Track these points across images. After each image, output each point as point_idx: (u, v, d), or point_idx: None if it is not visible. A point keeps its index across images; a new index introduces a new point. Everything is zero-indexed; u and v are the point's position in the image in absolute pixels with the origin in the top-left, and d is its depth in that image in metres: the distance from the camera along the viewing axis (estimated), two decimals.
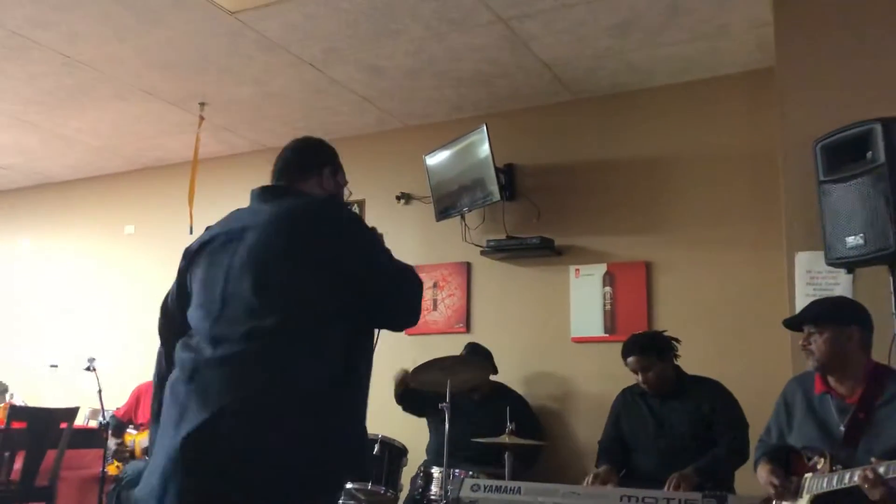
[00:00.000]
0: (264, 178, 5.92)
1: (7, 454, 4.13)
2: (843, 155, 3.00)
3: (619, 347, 4.19)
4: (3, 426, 4.04)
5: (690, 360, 3.55)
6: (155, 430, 1.96)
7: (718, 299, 4.12)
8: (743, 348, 3.98)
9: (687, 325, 3.61)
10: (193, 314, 1.93)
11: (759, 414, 2.90)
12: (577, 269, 4.49)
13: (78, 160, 6.17)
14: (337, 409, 1.81)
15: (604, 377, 4.19)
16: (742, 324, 4.03)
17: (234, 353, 1.77)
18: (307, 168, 2.24)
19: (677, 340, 3.50)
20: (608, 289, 4.40)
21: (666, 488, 3.05)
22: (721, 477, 3.21)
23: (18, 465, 4.22)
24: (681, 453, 3.24)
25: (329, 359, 1.81)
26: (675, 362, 3.49)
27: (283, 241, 1.89)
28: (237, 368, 1.76)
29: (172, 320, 2.04)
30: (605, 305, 4.39)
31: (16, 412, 4.11)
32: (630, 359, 3.46)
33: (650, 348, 3.44)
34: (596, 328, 4.38)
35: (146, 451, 4.32)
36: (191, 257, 2.07)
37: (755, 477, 2.78)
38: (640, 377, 3.44)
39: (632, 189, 4.46)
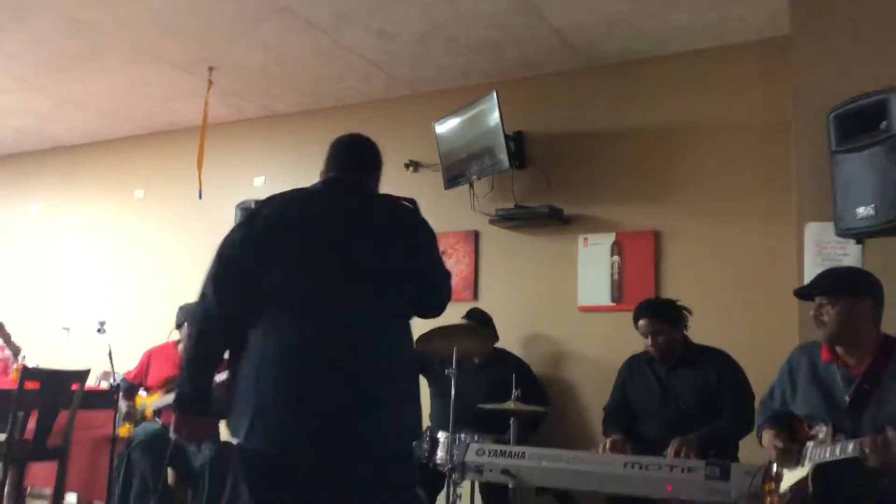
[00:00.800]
0: (273, 145, 5.99)
1: (21, 414, 4.19)
2: (857, 125, 2.98)
3: (626, 317, 4.21)
4: (16, 387, 4.09)
5: (698, 331, 3.55)
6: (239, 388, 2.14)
7: (726, 270, 4.12)
8: (750, 319, 3.98)
9: (694, 296, 3.61)
10: (298, 280, 2.15)
11: (765, 385, 2.91)
12: (586, 239, 4.49)
13: (88, 124, 6.17)
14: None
15: (610, 346, 4.21)
16: (750, 294, 4.02)
17: (366, 324, 2.15)
18: (373, 168, 2.55)
19: (689, 311, 3.51)
20: (616, 258, 4.40)
21: (668, 454, 3.08)
22: (724, 446, 3.23)
23: (32, 424, 4.29)
24: (686, 422, 3.25)
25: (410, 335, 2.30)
26: (685, 332, 3.49)
27: (399, 239, 2.31)
28: (368, 339, 2.13)
29: (240, 276, 2.17)
30: (612, 275, 4.39)
31: (29, 373, 4.15)
32: (641, 321, 3.46)
33: (662, 314, 3.44)
34: (603, 297, 4.39)
35: (156, 414, 4.37)
36: (279, 225, 2.23)
37: (759, 447, 2.81)
38: (648, 342, 3.44)
39: (642, 158, 4.43)
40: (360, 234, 2.25)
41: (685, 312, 3.49)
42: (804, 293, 2.73)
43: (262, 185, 5.67)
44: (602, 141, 4.55)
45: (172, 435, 2.22)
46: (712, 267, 4.15)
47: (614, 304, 4.35)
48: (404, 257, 2.28)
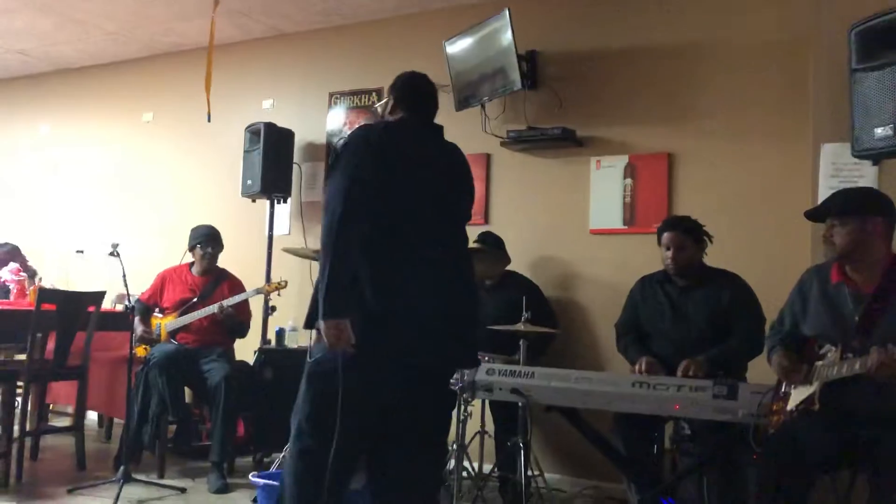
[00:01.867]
0: (281, 66, 5.90)
1: (39, 335, 4.27)
2: (880, 42, 2.89)
3: (637, 240, 4.22)
4: (34, 308, 4.16)
5: (710, 253, 3.53)
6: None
7: (741, 192, 4.07)
8: (764, 242, 3.96)
9: (708, 218, 3.57)
10: (421, 207, 2.46)
11: (777, 307, 2.91)
12: (598, 161, 4.44)
13: (94, 45, 6.08)
14: None
15: (621, 269, 4.21)
16: (764, 217, 3.99)
17: (465, 254, 2.61)
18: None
19: (711, 238, 3.49)
20: (629, 180, 4.35)
21: (678, 373, 3.11)
22: (733, 368, 3.26)
23: (51, 345, 4.38)
24: (696, 343, 3.27)
25: None
26: (702, 254, 3.47)
27: (469, 185, 2.72)
28: (464, 262, 2.56)
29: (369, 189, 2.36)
30: (625, 197, 4.35)
31: (46, 294, 4.21)
32: (667, 234, 3.44)
33: (690, 229, 3.42)
34: (615, 220, 4.36)
35: (172, 335, 4.45)
36: (401, 155, 2.46)
37: (768, 370, 2.83)
38: (668, 254, 3.41)
39: (657, 78, 4.34)
40: (455, 177, 2.64)
41: (707, 238, 3.47)
42: (816, 214, 2.71)
43: (271, 107, 5.62)
44: (616, 61, 4.45)
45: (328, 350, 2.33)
46: (726, 189, 4.11)
47: (626, 228, 4.33)
48: (470, 200, 2.72)
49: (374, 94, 5.24)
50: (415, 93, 2.71)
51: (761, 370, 3.10)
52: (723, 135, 4.14)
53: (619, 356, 4.04)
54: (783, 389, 2.64)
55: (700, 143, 4.20)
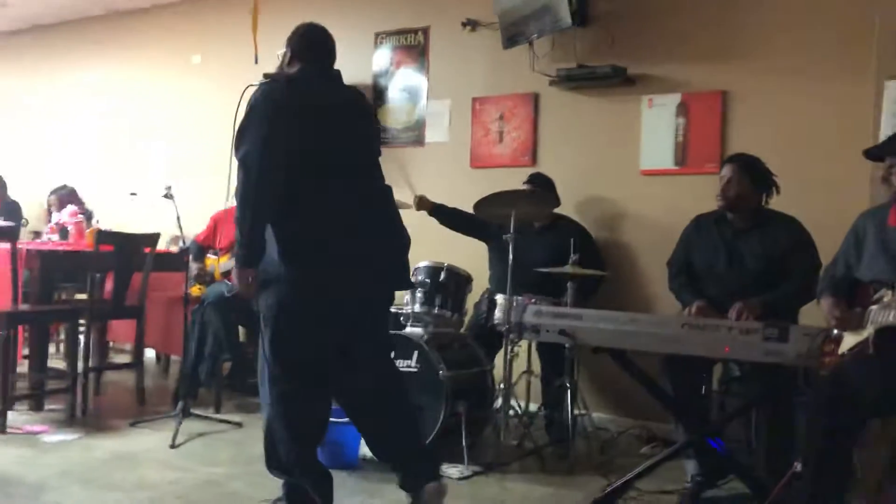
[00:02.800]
0: (327, 5, 5.86)
1: (98, 276, 4.41)
2: None
3: (689, 181, 4.16)
4: (92, 249, 4.28)
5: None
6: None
7: (798, 131, 3.95)
8: (821, 182, 3.85)
9: (763, 158, 3.48)
10: (332, 154, 2.60)
11: (833, 251, 2.85)
12: (650, 99, 4.34)
13: None
14: None
15: (672, 211, 4.15)
16: (821, 157, 3.88)
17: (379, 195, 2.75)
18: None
19: (779, 190, 3.39)
20: (681, 119, 4.25)
21: (731, 316, 3.08)
22: (786, 312, 3.21)
23: (109, 285, 4.52)
24: (750, 286, 3.21)
25: None
26: (762, 200, 3.38)
27: (376, 122, 3.09)
28: (382, 198, 2.76)
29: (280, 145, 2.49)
30: (677, 137, 4.26)
31: (103, 236, 4.32)
32: (724, 166, 3.38)
33: (747, 165, 3.33)
34: (666, 160, 4.28)
35: (225, 275, 4.54)
36: (305, 107, 2.57)
37: (819, 311, 2.78)
38: (722, 187, 3.34)
39: (711, 13, 4.19)
40: (362, 120, 2.80)
41: (773, 185, 3.37)
42: (875, 154, 2.62)
43: None
44: None
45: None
46: (783, 128, 3.99)
47: (678, 168, 4.25)
48: (378, 140, 2.98)
49: (420, 32, 5.18)
50: (310, 44, 2.82)
51: (814, 315, 3.05)
52: (780, 71, 4.00)
53: (667, 298, 4.01)
54: (835, 332, 2.60)
55: (756, 81, 4.07)
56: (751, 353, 2.72)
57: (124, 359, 5.33)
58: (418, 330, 3.80)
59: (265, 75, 2.87)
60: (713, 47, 4.18)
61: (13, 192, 6.70)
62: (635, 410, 4.18)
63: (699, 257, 3.45)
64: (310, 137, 2.55)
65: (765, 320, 2.93)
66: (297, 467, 2.62)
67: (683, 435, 3.18)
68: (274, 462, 2.65)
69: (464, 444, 3.44)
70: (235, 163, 2.49)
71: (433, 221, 4.48)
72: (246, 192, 2.44)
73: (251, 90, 2.63)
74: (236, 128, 2.52)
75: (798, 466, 2.42)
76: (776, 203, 3.44)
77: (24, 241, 5.08)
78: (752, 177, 3.31)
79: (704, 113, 4.18)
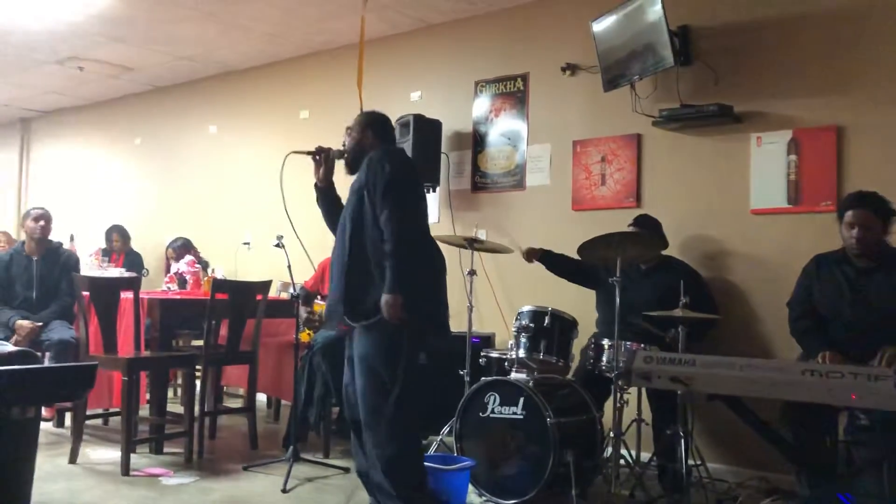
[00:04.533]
0: (428, 57, 5.98)
1: (214, 322, 4.59)
2: None
3: (803, 219, 4.00)
4: (209, 297, 4.47)
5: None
6: None
7: None
8: None
9: (883, 193, 3.31)
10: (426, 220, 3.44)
11: None
12: (759, 137, 4.21)
13: (251, 48, 6.43)
14: None
15: (785, 250, 3.99)
16: None
17: None
18: None
19: None
20: (793, 157, 4.10)
21: (878, 361, 2.91)
22: None
23: (224, 332, 4.70)
24: (878, 328, 3.05)
25: None
26: (887, 235, 3.23)
27: None
28: None
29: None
30: (788, 175, 4.11)
31: (218, 285, 4.52)
32: (853, 211, 3.23)
33: (880, 208, 3.19)
34: (779, 199, 4.13)
35: None
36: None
37: None
38: (853, 233, 3.20)
39: (819, 46, 4.05)
40: None
41: (893, 216, 3.22)
42: None
43: (419, 99, 5.73)
44: (774, 30, 4.19)
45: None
46: None
47: (791, 206, 4.09)
48: None
49: (518, 79, 5.23)
50: (388, 129, 3.44)
51: None
52: None
53: (781, 342, 3.86)
54: None
55: (872, 114, 3.89)
56: (881, 401, 2.55)
57: (237, 403, 5.50)
58: (523, 376, 3.77)
59: (295, 152, 3.73)
60: (823, 81, 4.04)
61: (134, 244, 7.11)
62: (754, 461, 3.98)
63: (821, 298, 3.29)
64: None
65: None
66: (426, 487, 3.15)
67: (807, 488, 3.01)
68: (405, 492, 3.01)
69: (573, 493, 3.35)
70: None
71: (537, 265, 4.45)
72: (412, 250, 3.05)
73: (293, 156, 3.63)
74: (383, 183, 3.05)
75: None
76: None
77: (145, 291, 5.36)
78: (882, 216, 3.16)
79: (818, 149, 4.02)
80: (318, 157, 3.59)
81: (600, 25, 4.57)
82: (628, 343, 3.68)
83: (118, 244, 6.97)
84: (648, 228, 4.07)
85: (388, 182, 3.03)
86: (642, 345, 3.64)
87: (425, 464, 3.27)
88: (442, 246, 4.60)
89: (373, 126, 3.37)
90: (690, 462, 3.53)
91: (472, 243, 4.32)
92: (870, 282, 3.17)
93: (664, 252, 4.07)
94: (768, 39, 4.22)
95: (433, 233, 4.12)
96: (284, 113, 6.65)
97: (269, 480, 3.91)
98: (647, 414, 3.88)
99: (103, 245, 6.88)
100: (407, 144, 5.18)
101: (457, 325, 4.96)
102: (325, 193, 3.59)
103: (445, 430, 4.09)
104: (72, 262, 5.14)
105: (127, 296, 4.51)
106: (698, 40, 4.43)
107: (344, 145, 3.49)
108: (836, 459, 3.20)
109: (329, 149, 3.55)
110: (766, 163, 4.17)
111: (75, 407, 4.25)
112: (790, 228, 4.08)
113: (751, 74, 4.26)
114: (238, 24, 5.84)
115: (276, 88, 6.76)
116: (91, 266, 5.75)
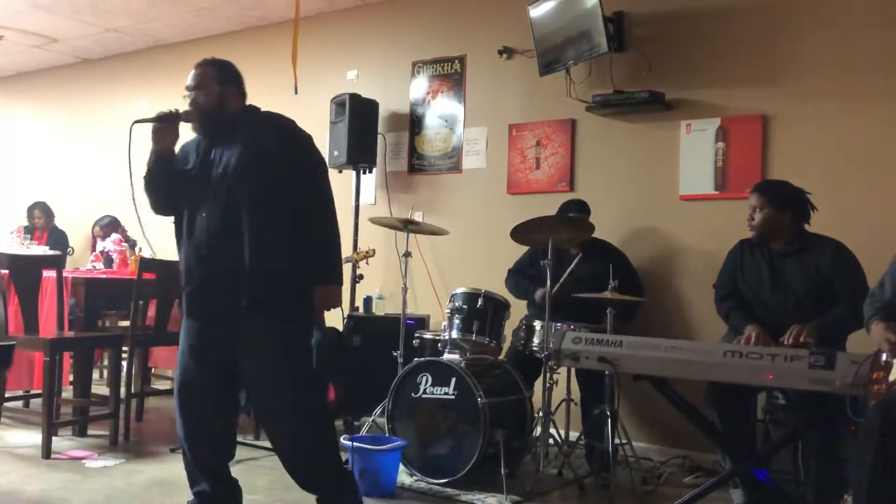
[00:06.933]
0: (365, 36, 5.91)
1: (141, 303, 4.48)
2: None
3: (730, 205, 4.10)
4: (135, 277, 4.36)
5: (811, 221, 3.40)
6: None
7: (842, 156, 3.89)
8: (867, 207, 3.78)
9: (807, 183, 3.42)
10: None
11: (880, 275, 2.78)
12: (689, 125, 4.31)
13: (184, 21, 6.26)
14: None
15: (713, 236, 4.10)
16: (867, 182, 3.81)
17: None
18: None
19: (813, 207, 3.36)
20: (721, 144, 4.21)
21: (786, 339, 3.02)
22: (839, 336, 3.15)
23: (151, 312, 4.59)
24: (795, 311, 3.18)
25: None
26: (800, 222, 3.35)
27: None
28: None
29: None
30: (716, 162, 4.22)
31: (146, 264, 4.40)
32: (751, 194, 3.41)
33: (771, 192, 3.34)
34: (706, 185, 4.24)
35: None
36: None
37: (867, 341, 2.71)
38: (749, 216, 3.38)
39: (750, 36, 4.16)
40: None
41: (804, 203, 3.35)
42: None
43: (355, 78, 5.67)
44: (706, 19, 4.29)
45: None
46: (826, 153, 3.93)
47: (718, 193, 4.20)
48: None
49: (456, 61, 5.22)
50: (243, 81, 3.01)
51: (860, 341, 2.97)
52: (821, 95, 3.95)
53: (708, 325, 3.97)
54: (884, 359, 2.53)
55: (797, 104, 4.02)
56: (796, 381, 2.66)
57: (165, 385, 5.39)
58: (456, 356, 3.79)
59: (138, 121, 2.99)
60: (752, 71, 4.15)
61: (59, 222, 6.88)
62: (678, 439, 4.10)
63: (744, 281, 3.41)
64: None
65: (817, 346, 2.88)
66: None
67: (729, 465, 3.12)
68: (332, 470, 2.81)
69: (502, 473, 3.40)
70: None
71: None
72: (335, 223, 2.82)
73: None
74: (311, 163, 2.82)
75: (849, 500, 2.35)
76: (820, 227, 3.39)
77: (70, 270, 5.19)
78: (776, 202, 3.29)
79: (745, 137, 4.14)
80: (165, 124, 2.90)
81: (537, 10, 4.59)
82: (558, 324, 3.74)
83: (41, 221, 6.73)
84: (578, 212, 4.13)
85: (324, 168, 2.87)
86: (571, 325, 3.70)
87: (357, 444, 3.27)
88: (378, 228, 4.63)
89: (235, 81, 2.92)
90: (617, 441, 3.61)
91: (408, 225, 4.31)
92: (787, 265, 3.30)
93: (594, 236, 4.14)
94: (700, 29, 4.31)
95: (370, 214, 4.14)
96: None
97: None
98: (575, 394, 3.95)
99: (25, 222, 6.63)
100: (342, 124, 5.13)
101: (392, 306, 4.98)
102: (170, 164, 2.94)
103: (378, 410, 4.10)
104: None
105: (50, 274, 4.36)
106: (632, 27, 4.49)
107: (193, 105, 2.89)
108: (755, 438, 3.33)
109: (177, 111, 2.92)
110: (695, 150, 4.27)
111: None
112: (717, 214, 4.19)
113: (682, 62, 4.34)
114: None
115: None
116: (13, 244, 5.54)
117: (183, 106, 2.90)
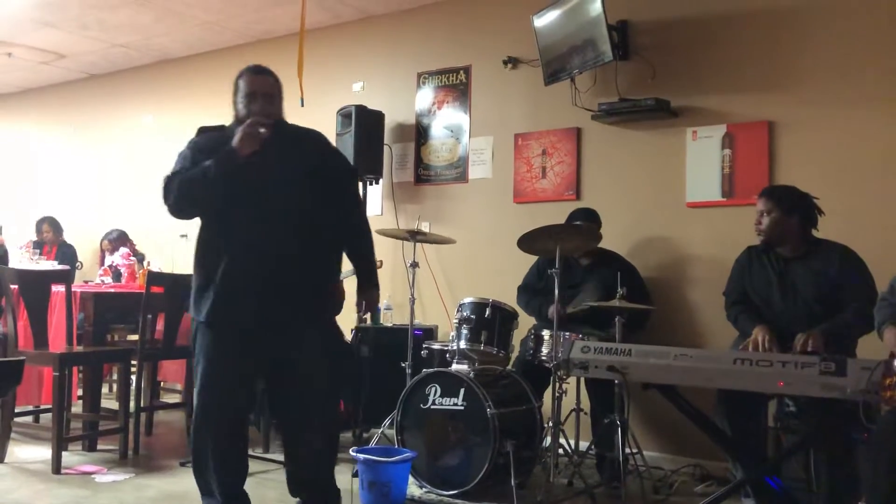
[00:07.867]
0: (370, 48, 5.92)
1: (150, 316, 4.49)
2: None
3: (737, 212, 4.09)
4: (144, 291, 4.36)
5: (818, 226, 3.40)
6: None
7: (849, 162, 3.87)
8: (875, 212, 3.76)
9: (814, 189, 3.41)
10: None
11: (888, 281, 2.77)
12: (695, 131, 4.30)
13: (189, 36, 6.30)
14: None
15: (720, 243, 4.09)
16: (874, 186, 3.79)
17: None
18: None
19: (821, 211, 3.37)
20: (727, 151, 4.20)
21: (795, 347, 3.01)
22: (847, 342, 3.13)
23: (160, 326, 4.59)
24: (804, 316, 3.17)
25: None
26: (808, 227, 3.36)
27: None
28: None
29: None
30: (723, 168, 4.21)
31: (154, 278, 4.41)
32: (758, 200, 3.43)
33: (778, 197, 3.35)
34: (713, 192, 4.23)
35: None
36: None
37: (878, 346, 2.70)
38: (756, 221, 3.40)
39: (755, 43, 4.16)
40: None
41: (812, 209, 3.35)
42: None
43: (361, 90, 5.69)
44: (711, 26, 4.29)
45: None
46: (834, 158, 3.91)
47: (725, 200, 4.19)
48: None
49: (461, 72, 5.24)
50: None
51: (872, 346, 2.96)
52: (830, 100, 3.94)
53: (717, 333, 3.95)
54: None
55: (803, 111, 4.01)
56: (807, 388, 2.63)
57: (174, 398, 5.40)
58: (464, 367, 3.78)
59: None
60: (758, 77, 4.14)
61: (68, 236, 6.90)
62: (689, 448, 4.08)
63: (752, 287, 3.41)
64: None
65: (826, 351, 2.86)
66: None
67: (740, 473, 3.10)
68: (333, 480, 2.99)
69: (513, 483, 3.38)
70: None
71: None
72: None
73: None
74: (354, 174, 3.12)
75: None
76: (829, 234, 3.38)
77: (79, 284, 5.21)
78: (784, 206, 3.29)
79: (751, 143, 4.13)
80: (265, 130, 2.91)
81: (542, 20, 4.60)
82: (566, 333, 3.73)
83: (49, 236, 6.76)
84: (586, 220, 4.12)
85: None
86: (580, 335, 3.69)
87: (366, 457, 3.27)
88: (385, 238, 4.63)
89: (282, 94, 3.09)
90: (627, 450, 3.59)
91: (415, 235, 4.32)
92: (795, 271, 3.30)
93: (601, 246, 4.13)
94: (704, 35, 4.31)
95: (377, 226, 4.13)
96: (223, 102, 6.50)
97: None
98: (585, 403, 3.93)
99: (34, 237, 6.66)
100: (349, 135, 5.14)
101: (400, 317, 4.98)
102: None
103: (387, 422, 4.09)
104: None
105: (59, 289, 4.37)
106: (636, 35, 4.50)
107: (268, 112, 3.00)
108: (766, 445, 3.30)
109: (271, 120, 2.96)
110: (702, 157, 4.26)
111: (2, 404, 4.10)
112: (724, 221, 4.18)
113: (687, 69, 4.34)
114: (173, 10, 5.70)
115: (216, 77, 6.61)
116: (22, 259, 5.56)
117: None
